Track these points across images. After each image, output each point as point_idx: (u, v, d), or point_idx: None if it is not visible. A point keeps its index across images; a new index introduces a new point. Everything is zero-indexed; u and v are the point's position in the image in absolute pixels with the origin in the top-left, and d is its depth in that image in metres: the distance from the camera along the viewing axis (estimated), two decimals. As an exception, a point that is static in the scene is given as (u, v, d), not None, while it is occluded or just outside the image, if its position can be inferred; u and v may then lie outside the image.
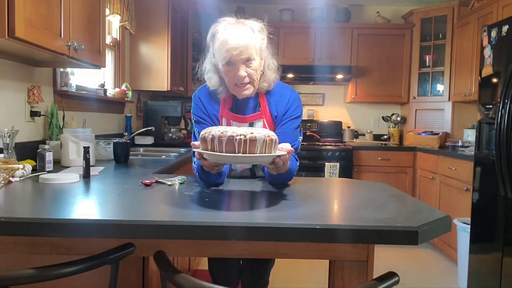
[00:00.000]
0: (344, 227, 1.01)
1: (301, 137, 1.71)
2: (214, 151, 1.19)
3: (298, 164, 1.65)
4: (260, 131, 1.21)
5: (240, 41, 1.47)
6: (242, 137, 1.16)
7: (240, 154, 1.18)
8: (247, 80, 1.54)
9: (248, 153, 1.18)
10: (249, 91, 1.57)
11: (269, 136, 1.20)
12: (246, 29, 1.51)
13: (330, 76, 4.54)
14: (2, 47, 1.68)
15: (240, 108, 1.66)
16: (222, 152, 1.18)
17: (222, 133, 1.17)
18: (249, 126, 1.64)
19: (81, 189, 1.47)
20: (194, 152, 1.47)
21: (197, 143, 1.33)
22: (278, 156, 1.28)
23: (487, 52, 2.70)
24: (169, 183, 1.52)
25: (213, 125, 1.61)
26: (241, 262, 1.92)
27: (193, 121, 1.70)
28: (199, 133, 1.43)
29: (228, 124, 1.66)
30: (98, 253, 1.06)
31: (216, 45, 1.53)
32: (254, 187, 1.53)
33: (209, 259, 1.92)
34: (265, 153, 1.20)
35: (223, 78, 1.58)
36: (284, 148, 1.34)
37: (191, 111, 1.70)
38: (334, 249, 1.14)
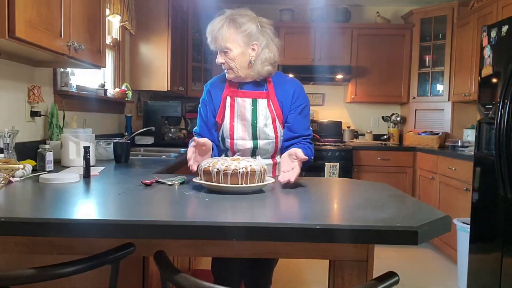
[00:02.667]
0: (344, 227, 1.01)
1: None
2: (219, 183, 1.37)
3: (312, 147, 1.78)
4: (255, 162, 1.41)
5: (212, 33, 1.69)
6: (244, 169, 1.36)
7: (244, 185, 1.37)
8: (225, 66, 1.74)
9: (250, 184, 1.38)
10: (230, 75, 1.75)
11: (263, 166, 1.43)
12: (223, 22, 1.68)
13: (330, 76, 4.54)
14: (3, 47, 1.68)
15: (245, 88, 1.80)
16: (228, 184, 1.37)
17: (226, 167, 1.36)
18: (252, 102, 1.77)
19: (81, 189, 1.47)
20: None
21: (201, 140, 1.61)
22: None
23: (487, 52, 2.70)
24: (169, 183, 1.52)
25: (211, 110, 1.81)
26: (243, 260, 1.92)
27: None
28: (200, 115, 1.85)
29: (232, 102, 1.78)
30: (98, 253, 1.06)
31: (206, 34, 1.75)
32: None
33: (212, 259, 1.92)
34: (262, 181, 1.43)
35: None
36: (297, 155, 1.52)
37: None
38: (334, 249, 1.14)
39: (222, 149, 1.87)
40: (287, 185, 1.52)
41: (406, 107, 4.78)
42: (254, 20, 1.72)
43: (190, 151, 1.57)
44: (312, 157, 1.74)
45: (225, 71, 1.76)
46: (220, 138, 1.84)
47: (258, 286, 1.93)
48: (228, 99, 1.80)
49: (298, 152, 1.54)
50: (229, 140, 1.80)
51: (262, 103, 1.77)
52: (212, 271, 1.92)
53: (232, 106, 1.79)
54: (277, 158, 1.85)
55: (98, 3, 2.11)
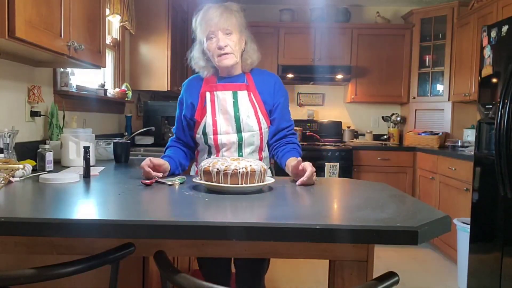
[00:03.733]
0: (344, 227, 1.01)
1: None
2: (219, 183, 1.37)
3: (296, 138, 1.88)
4: (255, 163, 1.41)
5: (218, 11, 1.69)
6: (244, 169, 1.35)
7: (244, 185, 1.37)
8: (228, 49, 1.69)
9: (250, 184, 1.38)
10: (230, 60, 1.71)
11: (263, 167, 1.43)
12: (223, 9, 1.70)
13: (330, 76, 4.54)
14: (2, 47, 1.68)
15: (224, 82, 1.80)
16: (227, 184, 1.36)
17: (226, 167, 1.36)
18: (233, 94, 1.77)
19: (81, 189, 1.47)
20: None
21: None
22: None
23: (487, 52, 2.70)
24: (169, 183, 1.52)
25: (188, 109, 1.81)
26: (233, 265, 1.91)
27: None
28: (176, 116, 1.87)
29: (212, 97, 1.77)
30: (98, 253, 1.06)
31: (198, 22, 1.75)
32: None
33: (198, 260, 1.91)
34: (262, 181, 1.43)
35: (208, 59, 1.77)
36: (306, 168, 1.55)
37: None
38: (334, 249, 1.14)
39: (202, 148, 1.84)
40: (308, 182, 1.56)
41: (406, 107, 4.78)
42: (242, 13, 1.77)
43: (146, 170, 1.57)
44: (301, 149, 1.84)
45: (220, 58, 1.70)
46: (200, 136, 1.80)
47: None
48: (208, 94, 1.78)
49: (306, 167, 1.56)
50: (212, 136, 1.76)
51: (243, 95, 1.77)
52: (201, 273, 1.92)
53: (212, 101, 1.77)
54: (264, 153, 1.85)
55: (98, 3, 2.11)
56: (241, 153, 1.78)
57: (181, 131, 1.86)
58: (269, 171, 1.87)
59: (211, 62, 1.77)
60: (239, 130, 1.76)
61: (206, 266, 1.90)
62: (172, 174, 1.71)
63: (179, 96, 1.88)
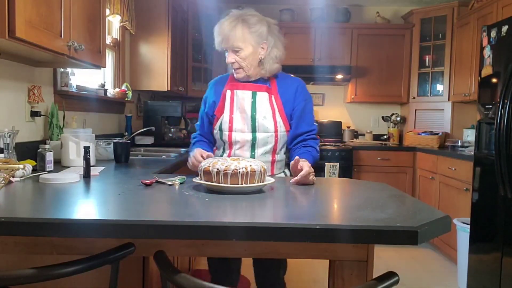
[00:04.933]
0: (344, 227, 1.01)
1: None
2: (219, 183, 1.37)
3: (316, 143, 1.86)
4: (255, 163, 1.41)
5: (229, 26, 1.72)
6: (244, 169, 1.35)
7: (244, 185, 1.37)
8: (236, 65, 1.77)
9: (250, 184, 1.38)
10: (240, 74, 1.79)
11: (263, 166, 1.43)
12: (235, 23, 1.73)
13: (330, 76, 4.54)
14: (3, 47, 1.68)
15: (246, 82, 1.84)
16: (227, 184, 1.36)
17: (226, 167, 1.36)
18: (252, 94, 1.81)
19: (82, 189, 1.47)
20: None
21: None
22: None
23: (487, 52, 2.70)
24: (169, 183, 1.52)
25: (210, 106, 1.87)
26: (253, 267, 1.92)
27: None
28: (200, 113, 1.94)
29: (232, 95, 1.82)
30: (98, 253, 1.06)
31: (214, 34, 1.79)
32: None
33: (208, 259, 1.92)
34: (262, 181, 1.43)
35: None
36: (302, 166, 1.56)
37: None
38: (334, 249, 1.14)
39: (219, 144, 1.90)
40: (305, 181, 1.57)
41: (406, 107, 4.78)
42: (264, 20, 1.79)
43: (199, 159, 1.62)
44: (317, 154, 1.84)
45: (234, 71, 1.80)
46: (217, 131, 1.84)
47: None
48: (228, 92, 1.84)
49: (304, 165, 1.58)
50: (227, 133, 1.81)
51: (262, 96, 1.80)
52: (210, 272, 1.92)
53: (232, 99, 1.82)
54: (278, 156, 1.84)
55: (98, 3, 2.11)
56: (253, 153, 1.80)
57: (203, 128, 1.94)
58: (283, 173, 1.89)
59: None
60: (254, 130, 1.79)
61: (215, 266, 1.91)
62: None
63: (204, 95, 1.95)
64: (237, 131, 1.80)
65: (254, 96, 1.80)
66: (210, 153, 1.69)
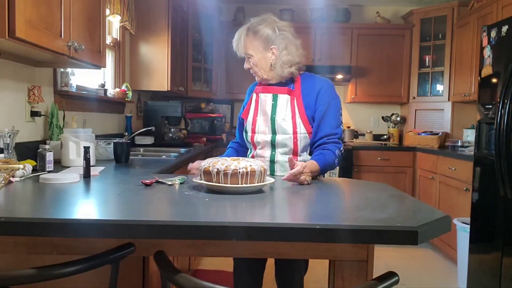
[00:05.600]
0: (344, 227, 1.01)
1: (342, 126, 1.85)
2: (219, 183, 1.37)
3: (335, 148, 1.76)
4: (255, 163, 1.42)
5: (237, 36, 1.84)
6: (244, 169, 1.36)
7: (244, 185, 1.37)
8: (252, 71, 1.86)
9: (250, 184, 1.38)
10: (257, 78, 1.89)
11: (263, 166, 1.43)
12: (242, 32, 1.82)
13: (330, 76, 4.51)
14: (3, 47, 1.68)
15: (269, 85, 1.90)
16: (227, 184, 1.36)
17: (226, 167, 1.37)
18: (273, 97, 1.86)
19: (82, 189, 1.47)
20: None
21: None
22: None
23: (487, 52, 2.70)
24: (169, 183, 1.52)
25: (242, 111, 1.97)
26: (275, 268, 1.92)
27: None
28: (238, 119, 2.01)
29: (257, 98, 1.90)
30: (98, 253, 1.06)
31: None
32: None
33: (234, 261, 1.94)
34: (262, 181, 1.42)
35: None
36: (295, 165, 1.57)
37: None
38: (334, 249, 1.14)
39: (248, 146, 1.98)
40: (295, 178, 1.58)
41: (406, 107, 4.78)
42: (271, 25, 1.81)
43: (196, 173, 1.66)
44: (334, 158, 1.75)
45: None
46: (244, 133, 1.94)
47: None
48: (254, 96, 1.93)
49: (296, 168, 1.57)
50: (250, 134, 1.89)
51: (283, 99, 1.83)
52: (234, 275, 1.95)
53: (256, 102, 1.90)
54: (300, 158, 1.82)
55: (98, 3, 2.11)
56: (273, 152, 1.85)
57: (237, 131, 2.07)
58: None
59: None
60: (273, 132, 1.83)
61: (239, 272, 1.93)
62: None
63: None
64: (259, 132, 1.87)
65: (275, 98, 1.85)
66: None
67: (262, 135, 1.85)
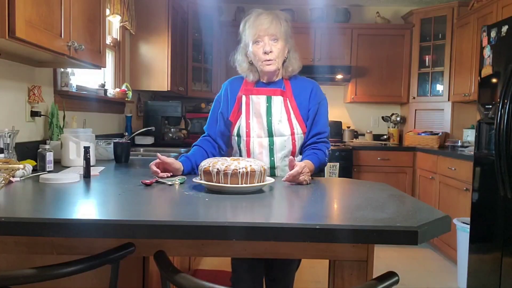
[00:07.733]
0: (344, 227, 1.01)
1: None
2: (219, 183, 1.37)
3: (324, 147, 1.81)
4: (255, 163, 1.41)
5: (268, 18, 1.74)
6: (244, 169, 1.35)
7: (244, 185, 1.37)
8: (272, 56, 1.74)
9: (250, 184, 1.38)
10: (272, 66, 1.76)
11: (263, 166, 1.43)
12: (272, 16, 1.76)
13: (330, 76, 4.54)
14: (3, 47, 1.68)
15: (260, 87, 1.85)
16: (227, 184, 1.36)
17: (226, 167, 1.36)
18: (267, 99, 1.81)
19: (82, 189, 1.47)
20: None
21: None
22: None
23: (487, 52, 2.70)
24: (169, 183, 1.52)
25: (224, 107, 1.86)
26: (263, 262, 1.92)
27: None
28: (211, 112, 1.92)
29: (248, 100, 1.82)
30: (98, 253, 1.06)
31: (247, 26, 1.78)
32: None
33: (232, 263, 1.92)
34: (262, 181, 1.43)
35: (251, 63, 1.82)
36: (295, 165, 1.57)
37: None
38: (334, 249, 1.14)
39: (235, 151, 1.89)
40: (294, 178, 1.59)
41: (406, 107, 4.78)
42: (289, 22, 1.82)
43: (153, 169, 1.61)
44: (325, 158, 1.80)
45: (266, 62, 1.75)
46: (235, 137, 1.84)
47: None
48: (244, 98, 1.84)
49: (294, 170, 1.58)
50: (245, 138, 1.81)
51: (277, 100, 1.80)
52: (232, 277, 1.93)
53: (247, 104, 1.82)
54: (299, 158, 1.82)
55: (98, 3, 2.11)
56: (272, 158, 1.81)
57: (211, 126, 1.91)
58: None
59: (254, 66, 1.83)
60: (270, 134, 1.80)
61: (239, 273, 1.91)
62: (187, 174, 1.73)
63: (217, 94, 1.93)
64: (254, 136, 1.80)
65: (269, 100, 1.81)
66: (170, 159, 1.67)
67: (258, 138, 1.80)
